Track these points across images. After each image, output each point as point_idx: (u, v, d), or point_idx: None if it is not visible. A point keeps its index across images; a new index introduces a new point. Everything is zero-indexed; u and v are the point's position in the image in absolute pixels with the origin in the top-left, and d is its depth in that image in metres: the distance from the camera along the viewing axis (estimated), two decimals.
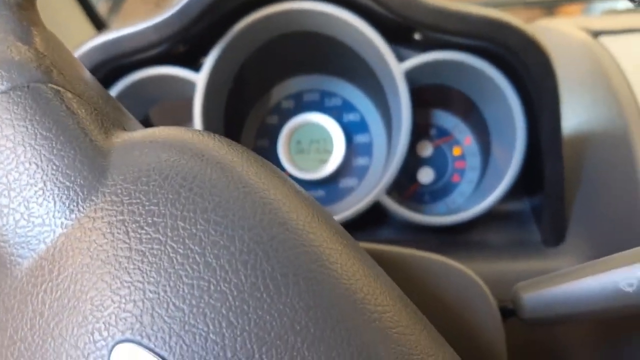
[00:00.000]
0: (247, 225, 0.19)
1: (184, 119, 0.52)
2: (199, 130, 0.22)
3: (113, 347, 0.17)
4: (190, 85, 0.44)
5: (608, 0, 1.03)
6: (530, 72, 0.40)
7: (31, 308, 0.19)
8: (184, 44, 0.43)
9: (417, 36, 0.42)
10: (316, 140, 0.53)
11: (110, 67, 0.42)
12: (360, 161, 0.53)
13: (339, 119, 0.53)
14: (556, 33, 0.59)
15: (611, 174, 0.45)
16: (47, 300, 0.18)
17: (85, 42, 0.41)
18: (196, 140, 0.21)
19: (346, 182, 0.53)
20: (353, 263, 0.20)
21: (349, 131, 0.54)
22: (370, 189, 0.52)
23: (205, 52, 0.45)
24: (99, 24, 0.74)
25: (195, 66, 0.45)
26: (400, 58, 0.44)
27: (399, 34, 0.43)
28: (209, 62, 0.43)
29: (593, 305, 0.30)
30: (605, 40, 0.54)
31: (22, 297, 0.19)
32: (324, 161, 0.52)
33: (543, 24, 0.68)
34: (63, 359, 0.18)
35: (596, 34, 0.55)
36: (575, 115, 0.50)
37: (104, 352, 0.17)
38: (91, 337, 0.17)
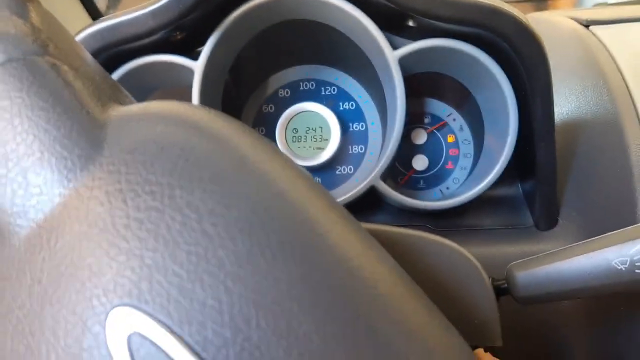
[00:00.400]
0: (244, 194, 0.19)
1: None
2: (195, 104, 0.22)
3: (110, 310, 0.18)
4: (188, 73, 0.44)
5: None
6: (523, 58, 0.40)
7: (29, 276, 0.19)
8: (181, 31, 0.43)
9: (410, 23, 0.43)
10: (312, 128, 0.53)
11: (108, 54, 0.42)
12: (356, 149, 0.54)
13: (334, 108, 0.54)
14: (548, 23, 0.60)
15: (602, 158, 0.45)
16: (45, 268, 0.19)
17: (83, 29, 0.41)
18: (192, 113, 0.21)
19: (342, 169, 0.54)
20: (348, 232, 0.20)
21: (345, 119, 0.54)
22: (365, 175, 0.53)
23: (202, 40, 0.45)
24: (97, 17, 0.74)
25: (192, 55, 0.45)
26: (394, 46, 0.44)
27: (393, 22, 0.44)
28: (206, 49, 0.44)
29: (586, 283, 0.31)
30: (596, 29, 0.54)
31: (20, 265, 0.19)
32: (320, 149, 0.53)
33: (535, 15, 0.68)
34: (61, 325, 0.18)
35: (587, 24, 0.56)
36: (567, 102, 0.50)
37: (101, 317, 0.18)
38: (89, 303, 0.18)
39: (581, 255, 0.31)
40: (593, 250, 0.31)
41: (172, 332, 0.17)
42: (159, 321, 0.17)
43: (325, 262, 0.19)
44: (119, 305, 0.17)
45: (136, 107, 0.22)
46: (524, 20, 0.40)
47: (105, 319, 0.17)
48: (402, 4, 0.40)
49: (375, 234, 0.31)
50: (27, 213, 0.19)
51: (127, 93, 0.25)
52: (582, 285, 0.31)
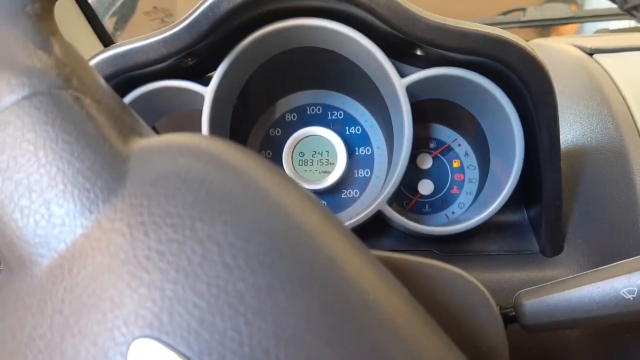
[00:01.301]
0: (263, 228, 0.19)
1: (190, 131, 0.53)
2: (214, 137, 0.22)
3: (132, 342, 0.18)
4: (198, 98, 0.45)
5: (601, 21, 1.05)
6: (530, 87, 0.41)
7: (51, 306, 0.19)
8: (192, 58, 0.44)
9: (418, 52, 0.44)
10: (319, 152, 0.54)
11: (120, 79, 0.43)
12: (362, 172, 0.54)
13: (341, 132, 0.54)
14: (552, 50, 0.61)
15: (607, 186, 0.46)
16: (66, 299, 0.19)
17: (95, 55, 0.42)
18: (212, 146, 0.22)
19: (348, 192, 0.54)
20: (364, 265, 0.20)
21: (351, 144, 0.55)
22: (371, 199, 0.53)
23: (212, 66, 0.46)
24: (107, 41, 0.76)
25: (202, 80, 0.46)
26: (402, 74, 0.45)
27: (401, 50, 0.45)
28: (217, 75, 0.44)
29: (594, 312, 0.31)
30: (600, 57, 0.55)
31: (41, 295, 0.19)
32: (326, 172, 0.53)
33: (539, 42, 0.69)
34: (82, 355, 0.18)
35: (591, 52, 0.57)
36: (571, 129, 0.51)
37: (122, 348, 0.18)
38: (110, 334, 0.18)
39: (589, 285, 0.32)
40: (601, 280, 0.31)
41: None
42: (180, 352, 0.18)
43: (344, 297, 0.19)
44: (140, 337, 0.18)
45: (156, 140, 0.22)
46: (530, 50, 0.40)
47: (127, 350, 0.18)
48: (410, 34, 0.40)
49: (385, 262, 0.31)
50: (49, 243, 0.20)
51: (143, 123, 0.25)
52: (590, 314, 0.32)
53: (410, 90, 0.45)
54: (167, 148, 0.21)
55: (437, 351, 0.20)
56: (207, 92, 0.45)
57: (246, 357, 0.17)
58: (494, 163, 0.50)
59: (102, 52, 0.42)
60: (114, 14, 0.84)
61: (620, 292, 0.31)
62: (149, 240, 0.19)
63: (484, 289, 0.32)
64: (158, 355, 0.18)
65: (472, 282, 0.32)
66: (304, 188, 0.22)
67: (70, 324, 0.19)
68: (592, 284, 0.32)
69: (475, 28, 0.40)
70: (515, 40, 0.40)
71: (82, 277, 0.19)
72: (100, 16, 0.78)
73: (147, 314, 0.18)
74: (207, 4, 0.41)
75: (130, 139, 0.22)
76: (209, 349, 0.17)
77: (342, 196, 0.54)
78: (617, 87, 0.50)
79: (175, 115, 0.52)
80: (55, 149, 0.20)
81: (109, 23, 0.87)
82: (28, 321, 0.19)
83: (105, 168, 0.20)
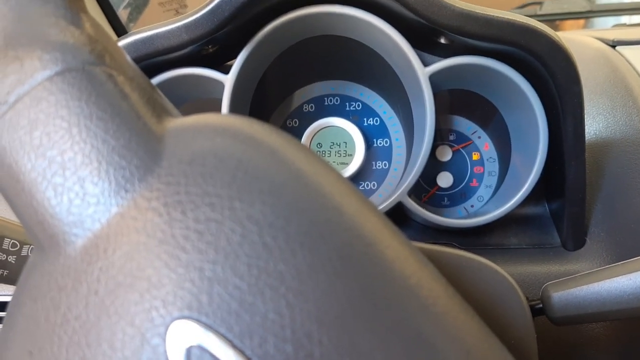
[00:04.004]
0: (303, 208, 0.19)
1: None
2: (249, 118, 0.22)
3: (170, 323, 0.17)
4: (218, 86, 0.44)
5: (610, 16, 1.04)
6: (556, 77, 0.40)
7: (86, 286, 0.19)
8: (213, 45, 0.43)
9: (442, 40, 0.43)
10: (337, 143, 0.53)
11: (141, 65, 0.42)
12: (380, 164, 0.54)
13: (359, 123, 0.54)
14: (573, 42, 0.60)
15: (632, 178, 0.45)
16: (102, 279, 0.18)
17: (117, 40, 0.42)
18: (248, 127, 0.21)
19: (366, 184, 0.54)
20: (404, 249, 0.20)
21: (369, 135, 0.54)
22: (389, 191, 0.53)
23: (232, 54, 0.45)
24: (121, 32, 0.75)
25: (222, 68, 0.45)
26: (424, 63, 0.44)
27: (424, 39, 0.44)
28: (237, 63, 0.44)
29: (625, 304, 0.31)
30: (623, 49, 0.54)
31: (76, 275, 0.19)
32: (344, 164, 0.53)
33: (557, 34, 0.68)
34: (119, 336, 0.18)
35: (614, 44, 0.56)
36: (594, 122, 0.50)
37: (161, 329, 0.17)
38: (148, 315, 0.18)
39: (620, 277, 0.31)
40: (633, 272, 0.31)
41: (233, 345, 0.17)
42: (220, 334, 0.17)
43: (386, 279, 0.18)
44: (179, 318, 0.17)
45: (191, 119, 0.22)
46: (558, 39, 0.40)
47: (165, 331, 0.17)
48: (436, 21, 0.40)
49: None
50: (84, 222, 0.19)
51: (171, 104, 0.25)
52: (621, 306, 0.31)
53: (433, 79, 0.44)
54: (203, 127, 0.21)
55: (479, 338, 0.20)
56: (227, 80, 0.44)
57: (288, 341, 0.17)
58: (515, 155, 0.49)
59: (123, 37, 0.42)
60: (128, 4, 0.84)
61: None
62: (187, 220, 0.18)
63: (513, 281, 0.32)
64: (197, 337, 0.17)
65: (500, 273, 0.31)
66: (338, 171, 0.22)
67: (107, 305, 0.18)
68: (624, 275, 0.31)
69: (501, 15, 0.40)
70: (542, 28, 0.40)
71: (118, 257, 0.19)
72: (114, 7, 0.77)
73: (186, 295, 0.17)
74: None
75: (163, 118, 0.22)
76: (251, 332, 0.17)
77: (360, 188, 0.54)
78: None
79: (192, 104, 0.51)
80: (89, 125, 0.20)
81: (122, 14, 0.87)
82: (62, 302, 0.19)
83: (140, 146, 0.20)
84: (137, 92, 0.21)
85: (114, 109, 0.20)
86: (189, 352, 0.17)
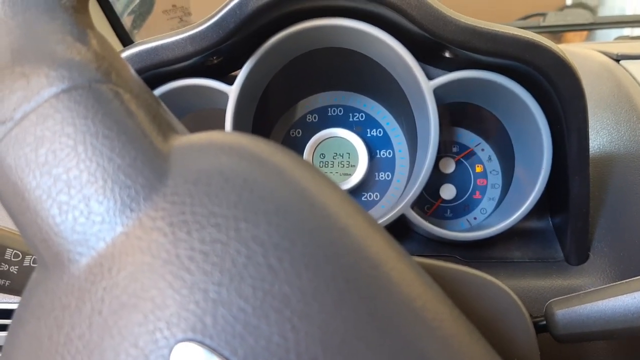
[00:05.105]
0: (308, 229, 0.19)
1: (212, 130, 0.53)
2: (255, 136, 0.22)
3: (174, 345, 0.17)
4: (222, 97, 0.44)
5: (617, 27, 1.04)
6: (560, 92, 0.40)
7: (89, 306, 0.19)
8: (217, 56, 0.43)
9: (447, 54, 0.43)
10: (340, 154, 0.53)
11: (145, 76, 0.42)
12: (383, 175, 0.54)
13: (362, 134, 0.54)
14: (577, 56, 0.60)
15: (635, 193, 0.45)
16: (106, 299, 0.18)
17: (122, 51, 0.42)
18: (253, 145, 0.21)
19: (368, 195, 0.54)
20: (409, 271, 0.20)
21: (372, 146, 0.54)
22: (392, 203, 0.53)
23: (236, 65, 0.45)
24: (127, 41, 0.75)
25: (226, 79, 0.45)
26: (429, 76, 0.44)
27: (429, 52, 0.44)
28: (241, 75, 0.44)
29: (629, 323, 0.30)
30: (627, 64, 0.54)
31: (80, 294, 0.19)
32: (347, 174, 0.53)
33: (562, 47, 0.69)
34: (122, 357, 0.18)
35: (618, 58, 0.56)
36: (598, 136, 0.50)
37: (164, 352, 0.17)
38: (152, 336, 0.17)
39: (624, 295, 0.31)
40: (637, 290, 0.31)
41: None
42: (224, 357, 0.17)
43: (392, 302, 0.18)
44: (183, 340, 0.17)
45: (197, 137, 0.21)
46: (562, 54, 0.40)
47: (169, 353, 0.17)
48: (441, 35, 0.40)
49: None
50: (88, 241, 0.19)
51: (177, 120, 0.25)
52: (625, 325, 0.31)
53: (438, 93, 0.44)
54: (209, 146, 0.21)
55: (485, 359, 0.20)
56: (232, 91, 0.44)
57: None
58: (519, 169, 0.49)
59: (128, 48, 0.42)
60: (132, 11, 0.84)
61: None
62: (192, 240, 0.18)
63: (516, 297, 0.31)
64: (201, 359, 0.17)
65: (503, 289, 0.31)
66: (343, 190, 0.22)
67: (110, 325, 0.18)
68: (628, 294, 0.31)
69: (506, 30, 0.40)
70: (547, 43, 0.40)
71: (123, 277, 0.18)
72: (119, 14, 0.78)
73: (190, 316, 0.17)
74: (234, 2, 0.40)
75: (169, 136, 0.22)
76: (255, 355, 0.17)
77: (363, 199, 0.54)
78: None
79: (196, 114, 0.51)
80: (95, 144, 0.20)
81: (126, 20, 0.87)
82: (66, 321, 0.19)
83: (146, 165, 0.20)
84: (143, 109, 0.21)
85: (120, 127, 0.20)
86: None
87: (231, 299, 0.17)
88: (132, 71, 0.24)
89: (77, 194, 0.19)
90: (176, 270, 0.18)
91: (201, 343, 0.17)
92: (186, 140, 0.21)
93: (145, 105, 0.22)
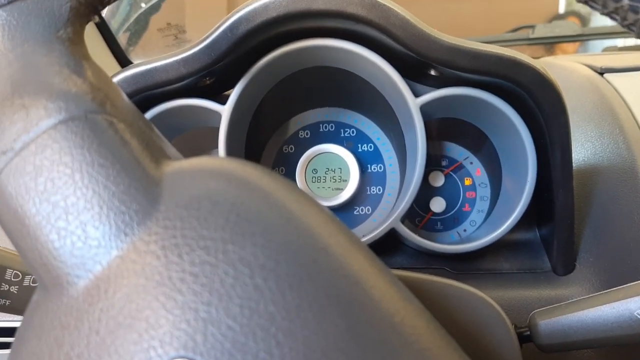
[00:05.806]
0: (292, 250, 0.20)
1: (206, 148, 0.54)
2: (243, 161, 0.23)
3: None
4: (215, 116, 0.46)
5: (608, 39, 1.06)
6: (542, 108, 0.42)
7: (87, 326, 0.20)
8: (210, 77, 0.45)
9: (432, 72, 0.44)
10: (332, 169, 0.54)
11: (139, 97, 0.44)
12: (374, 190, 0.55)
13: (353, 149, 0.55)
14: (562, 69, 0.62)
15: (619, 204, 0.46)
16: (103, 319, 0.20)
17: (116, 73, 0.43)
18: (241, 170, 0.22)
19: (360, 209, 0.55)
20: (389, 287, 0.21)
21: (363, 161, 0.55)
22: (383, 216, 0.54)
23: (228, 85, 0.46)
24: (123, 61, 0.77)
25: (219, 98, 0.47)
26: (416, 93, 0.46)
27: (415, 71, 0.45)
28: (234, 94, 0.45)
29: (609, 332, 0.31)
30: (610, 77, 0.56)
31: (78, 315, 0.20)
32: (339, 189, 0.54)
33: (548, 60, 0.70)
34: None
35: (602, 71, 0.57)
36: (582, 149, 0.51)
37: None
38: (147, 354, 0.19)
39: (604, 305, 0.32)
40: (615, 301, 0.32)
41: None
42: None
43: (371, 318, 0.19)
44: (175, 357, 0.18)
45: (187, 163, 0.23)
46: (543, 71, 0.41)
47: None
48: (425, 55, 0.41)
49: (402, 281, 0.32)
50: (86, 264, 0.20)
51: (169, 143, 0.26)
52: (605, 334, 0.32)
53: (424, 109, 0.45)
54: (198, 172, 0.22)
55: None
56: (225, 111, 0.46)
57: None
58: (506, 181, 0.50)
59: (123, 70, 0.43)
60: (127, 29, 0.86)
61: (635, 313, 0.31)
62: (183, 263, 0.20)
63: (500, 309, 0.33)
64: None
65: (487, 301, 0.32)
66: (327, 209, 0.23)
67: (107, 344, 0.19)
68: (607, 304, 0.32)
69: (488, 49, 0.41)
70: (528, 61, 0.41)
71: (118, 298, 0.20)
72: (114, 32, 0.79)
73: (182, 335, 0.19)
74: (226, 24, 0.42)
75: (161, 162, 0.23)
76: None
77: (355, 213, 0.55)
78: (628, 107, 0.50)
79: (190, 133, 0.53)
80: (91, 172, 0.21)
81: (122, 38, 0.89)
82: (65, 340, 0.20)
83: (139, 191, 0.21)
84: (136, 137, 0.23)
85: (114, 156, 0.21)
86: None
87: (220, 318, 0.19)
88: (126, 99, 0.25)
89: (75, 220, 0.21)
90: (168, 291, 0.19)
91: (192, 359, 0.18)
92: (177, 166, 0.23)
93: (139, 133, 0.23)
